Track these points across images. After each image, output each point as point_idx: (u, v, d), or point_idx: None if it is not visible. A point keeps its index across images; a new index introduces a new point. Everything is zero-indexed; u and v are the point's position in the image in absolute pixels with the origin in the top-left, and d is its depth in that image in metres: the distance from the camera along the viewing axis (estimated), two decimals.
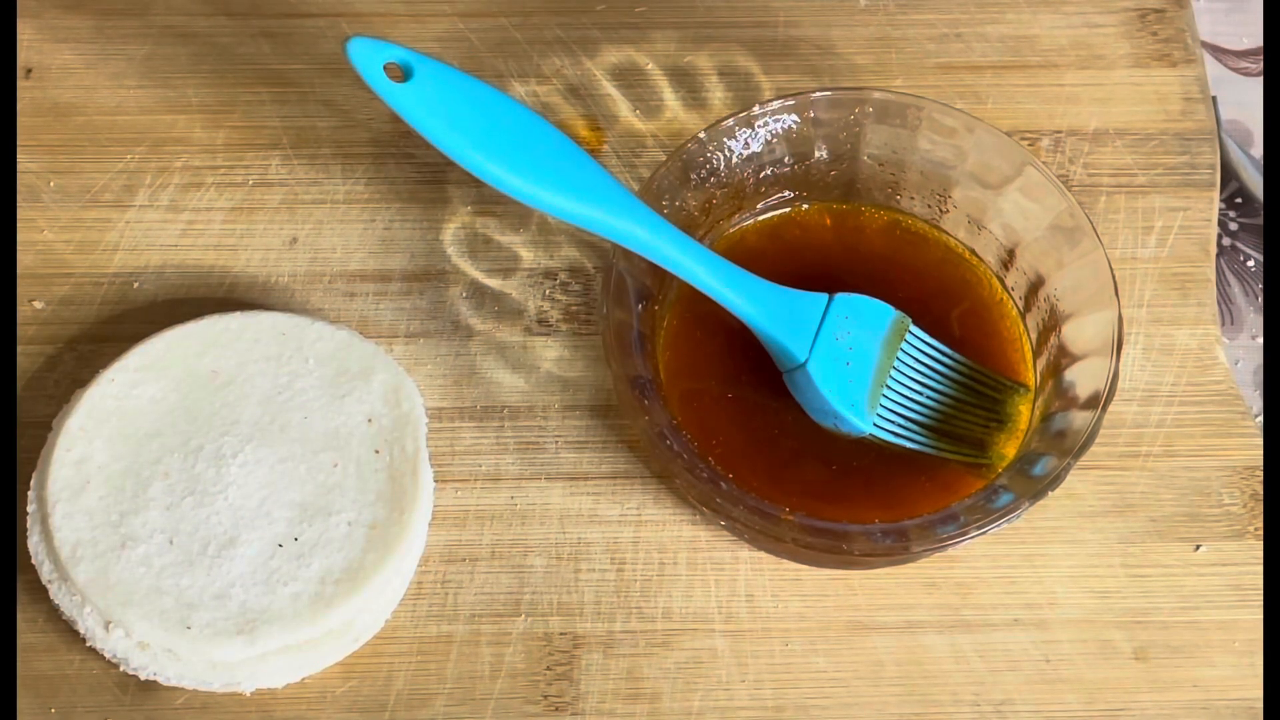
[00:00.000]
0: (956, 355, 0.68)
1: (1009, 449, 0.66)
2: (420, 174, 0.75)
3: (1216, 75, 0.83)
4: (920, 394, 0.67)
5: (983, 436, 0.67)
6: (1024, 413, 0.67)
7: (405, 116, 0.62)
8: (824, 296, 0.67)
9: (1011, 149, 0.68)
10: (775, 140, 0.70)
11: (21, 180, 0.74)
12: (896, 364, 0.67)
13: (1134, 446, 0.70)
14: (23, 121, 0.75)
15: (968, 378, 0.68)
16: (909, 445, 0.66)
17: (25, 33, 0.77)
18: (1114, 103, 0.77)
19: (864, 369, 0.66)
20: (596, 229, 0.64)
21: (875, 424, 0.66)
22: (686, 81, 0.77)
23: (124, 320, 0.71)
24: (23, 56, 0.77)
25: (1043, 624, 0.66)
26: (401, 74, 0.62)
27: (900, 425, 0.66)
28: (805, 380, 0.66)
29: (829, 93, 0.70)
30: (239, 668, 0.63)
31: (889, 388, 0.66)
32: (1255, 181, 0.81)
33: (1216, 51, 0.84)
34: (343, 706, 0.65)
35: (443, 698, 0.65)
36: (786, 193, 0.71)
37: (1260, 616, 0.66)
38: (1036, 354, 0.68)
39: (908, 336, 0.67)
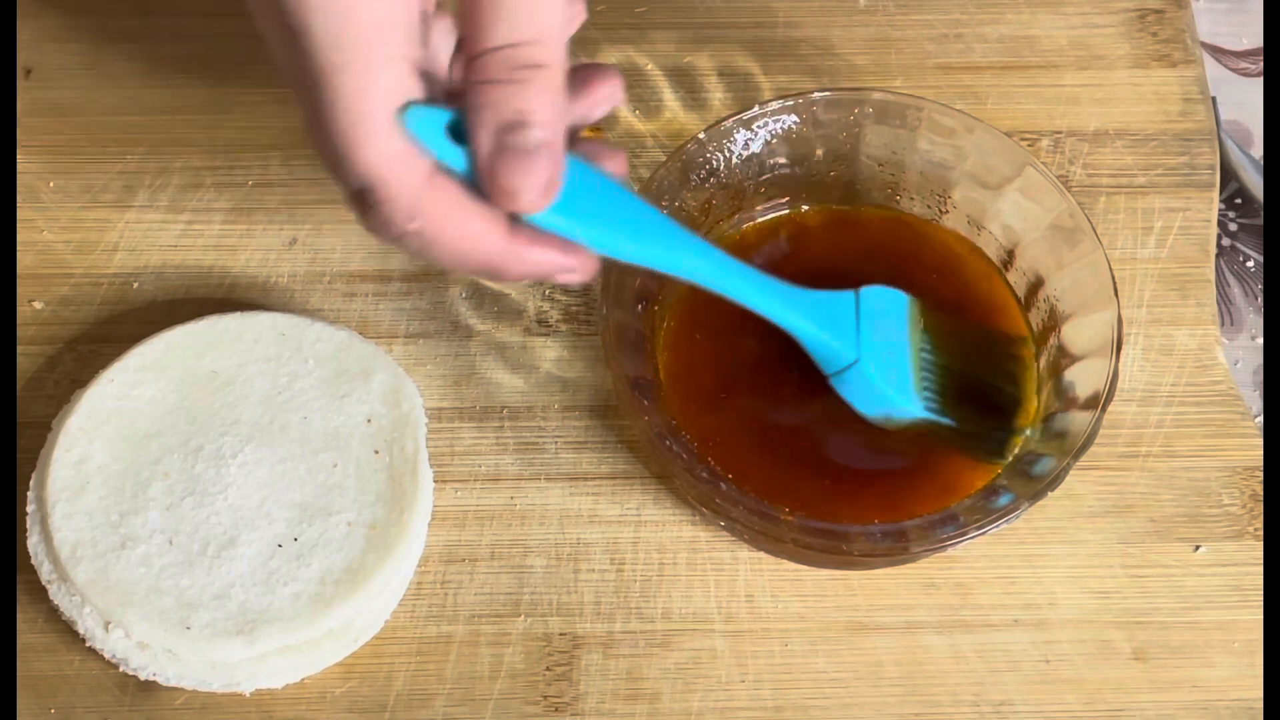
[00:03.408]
0: (962, 320, 0.68)
1: (1030, 409, 0.66)
2: None
3: (1216, 75, 0.83)
4: (944, 367, 0.67)
5: (1004, 400, 0.67)
6: (1030, 360, 0.67)
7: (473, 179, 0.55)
8: (851, 294, 0.66)
9: (1011, 149, 0.68)
10: (775, 141, 0.70)
11: (21, 180, 0.74)
12: (922, 344, 0.67)
13: (1134, 447, 0.70)
14: (23, 121, 0.75)
15: (976, 341, 0.68)
16: (949, 422, 0.66)
17: (25, 33, 0.77)
18: (1114, 103, 0.77)
19: (901, 355, 0.66)
20: (650, 263, 0.60)
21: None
22: (686, 82, 0.77)
23: (123, 321, 0.71)
24: (23, 56, 0.77)
25: (1042, 624, 0.66)
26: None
27: (938, 402, 0.66)
28: (858, 377, 0.65)
29: (829, 93, 0.70)
30: (238, 668, 0.63)
31: (921, 368, 0.66)
32: (1255, 182, 0.81)
33: (1216, 52, 0.84)
34: (342, 707, 0.65)
35: (442, 698, 0.65)
36: (786, 194, 0.71)
37: (1260, 617, 0.66)
38: (1036, 354, 0.68)
39: (923, 315, 0.67)
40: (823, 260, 0.70)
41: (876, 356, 0.66)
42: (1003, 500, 0.63)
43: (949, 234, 0.71)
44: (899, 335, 0.66)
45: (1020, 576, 0.67)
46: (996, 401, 0.67)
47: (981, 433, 0.66)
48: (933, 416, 0.66)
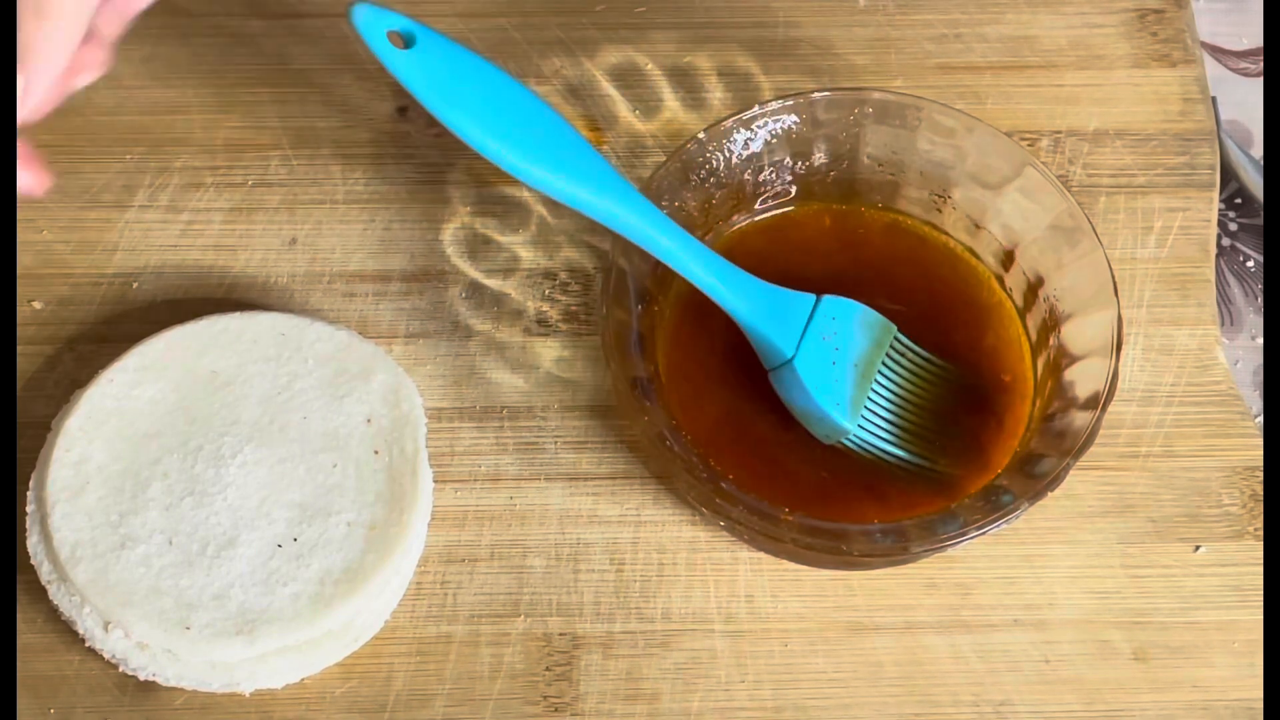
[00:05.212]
0: (940, 361, 0.68)
1: (1006, 452, 0.66)
2: (420, 174, 0.75)
3: (1216, 75, 0.83)
4: (904, 400, 0.67)
5: (964, 445, 0.67)
6: (1019, 403, 0.67)
7: (406, 84, 0.63)
8: (812, 296, 0.67)
9: (1011, 149, 0.68)
10: (775, 141, 0.70)
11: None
12: (882, 370, 0.67)
13: (1134, 447, 0.70)
14: None
15: (952, 381, 0.67)
16: (884, 454, 0.66)
17: None
18: (1114, 103, 0.77)
19: (848, 370, 0.66)
20: (590, 212, 0.65)
21: (860, 426, 0.66)
22: (686, 82, 0.77)
23: (123, 321, 0.71)
24: None
25: (1042, 624, 0.66)
26: (403, 42, 0.63)
27: (883, 432, 0.66)
28: (791, 377, 0.66)
29: (828, 93, 0.70)
30: (238, 668, 0.63)
31: (874, 393, 0.66)
32: (1255, 182, 0.81)
33: (1216, 51, 0.84)
34: (342, 707, 0.65)
35: (442, 698, 0.65)
36: (786, 193, 0.71)
37: (1260, 617, 0.66)
38: (1036, 354, 0.68)
39: (894, 344, 0.67)
40: (820, 262, 0.70)
41: (816, 362, 0.66)
42: (1003, 500, 0.63)
43: (957, 252, 0.71)
44: (854, 350, 0.66)
45: (1020, 576, 0.67)
46: (957, 444, 0.67)
47: (932, 472, 0.66)
48: (866, 437, 0.66)
